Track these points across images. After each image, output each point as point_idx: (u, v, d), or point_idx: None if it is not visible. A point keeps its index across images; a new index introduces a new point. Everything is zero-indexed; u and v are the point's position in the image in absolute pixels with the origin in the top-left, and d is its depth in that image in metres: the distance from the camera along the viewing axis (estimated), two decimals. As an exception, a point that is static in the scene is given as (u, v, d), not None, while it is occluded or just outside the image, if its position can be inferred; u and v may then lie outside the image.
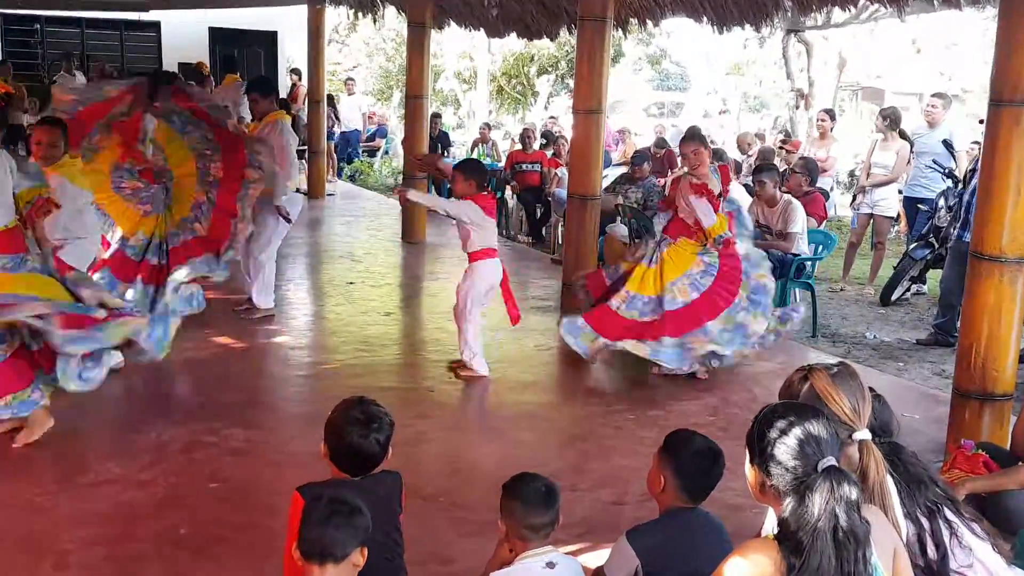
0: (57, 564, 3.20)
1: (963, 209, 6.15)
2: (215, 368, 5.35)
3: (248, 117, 6.88)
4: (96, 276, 4.93)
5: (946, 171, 7.73)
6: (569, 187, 6.89)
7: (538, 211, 10.50)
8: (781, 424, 1.96)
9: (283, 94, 13.11)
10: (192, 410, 4.65)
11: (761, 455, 1.98)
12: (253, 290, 6.30)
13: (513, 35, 9.40)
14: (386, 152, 16.32)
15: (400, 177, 11.21)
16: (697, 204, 5.23)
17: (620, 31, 7.91)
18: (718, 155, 7.76)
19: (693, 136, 5.51)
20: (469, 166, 5.30)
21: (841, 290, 8.32)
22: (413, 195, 5.31)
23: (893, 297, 7.77)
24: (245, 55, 15.78)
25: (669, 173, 9.59)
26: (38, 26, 15.10)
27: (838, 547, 1.81)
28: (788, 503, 1.87)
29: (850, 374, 2.29)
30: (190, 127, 5.27)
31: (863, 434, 2.19)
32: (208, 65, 13.06)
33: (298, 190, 6.31)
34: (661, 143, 11.38)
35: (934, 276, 7.85)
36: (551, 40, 10.42)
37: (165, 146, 5.32)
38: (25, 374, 4.04)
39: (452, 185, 5.32)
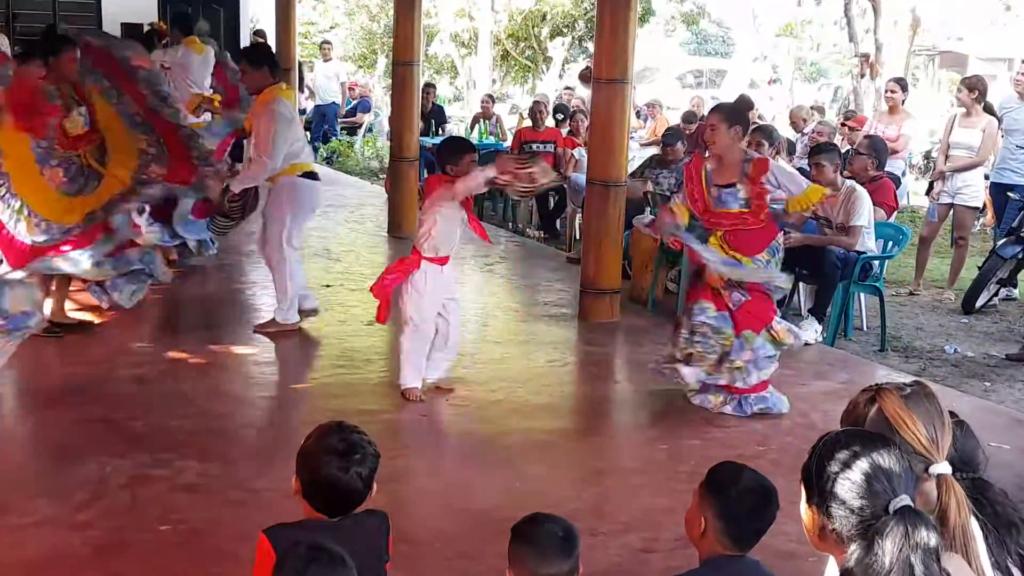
0: (-23, 622, 3.23)
1: (1062, 198, 6.15)
2: (166, 388, 5.35)
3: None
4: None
5: (1041, 152, 7.73)
6: (589, 172, 6.91)
7: (551, 200, 10.52)
8: (844, 456, 1.96)
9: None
10: (138, 438, 4.65)
11: (820, 493, 1.97)
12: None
13: (521, -10, 9.44)
14: (369, 130, 16.37)
15: (387, 160, 11.23)
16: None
17: (650, -15, 7.92)
18: (766, 133, 7.73)
19: (718, 108, 5.42)
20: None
21: (913, 294, 8.31)
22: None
23: (978, 303, 7.76)
24: (201, 14, 15.79)
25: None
26: (-47, -21, 15.14)
27: (912, 603, 1.80)
28: (853, 551, 1.87)
29: (926, 396, 2.29)
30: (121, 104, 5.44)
31: (942, 467, 2.19)
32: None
33: (314, 175, 6.28)
34: (690, 117, 11.32)
35: (1027, 278, 7.85)
36: (567, -5, 10.45)
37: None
38: None
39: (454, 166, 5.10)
